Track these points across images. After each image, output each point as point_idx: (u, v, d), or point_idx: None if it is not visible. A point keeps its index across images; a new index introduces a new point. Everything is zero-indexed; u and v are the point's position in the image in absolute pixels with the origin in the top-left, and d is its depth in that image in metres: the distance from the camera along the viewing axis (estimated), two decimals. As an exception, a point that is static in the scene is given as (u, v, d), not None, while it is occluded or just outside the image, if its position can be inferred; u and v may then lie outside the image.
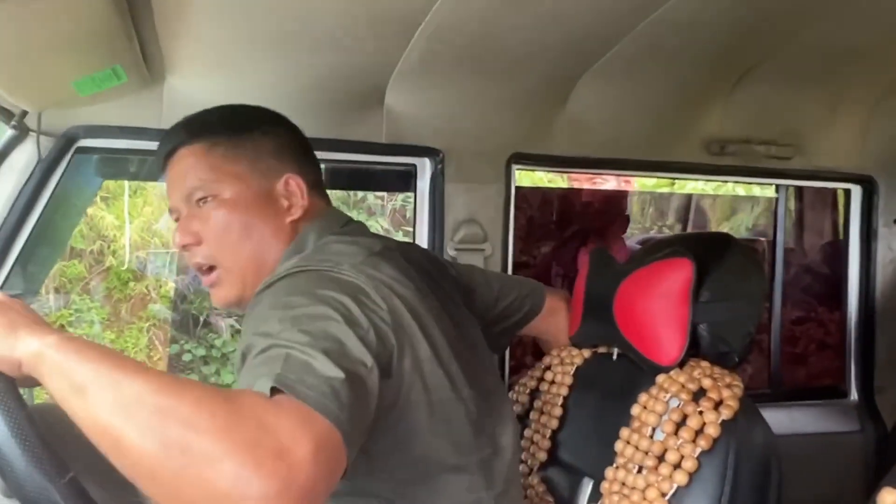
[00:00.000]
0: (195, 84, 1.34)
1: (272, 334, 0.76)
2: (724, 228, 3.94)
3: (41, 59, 1.09)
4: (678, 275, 1.10)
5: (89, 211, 4.39)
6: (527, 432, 1.30)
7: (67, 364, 0.68)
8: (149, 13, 1.10)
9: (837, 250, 2.17)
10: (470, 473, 0.94)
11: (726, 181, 2.53)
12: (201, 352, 4.80)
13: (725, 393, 1.04)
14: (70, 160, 1.36)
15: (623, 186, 3.27)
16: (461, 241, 1.58)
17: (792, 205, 2.79)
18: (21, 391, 0.75)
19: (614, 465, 1.11)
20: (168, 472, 0.62)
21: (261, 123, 1.10)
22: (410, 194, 1.66)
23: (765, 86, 1.63)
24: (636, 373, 1.15)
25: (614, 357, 1.23)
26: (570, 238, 2.50)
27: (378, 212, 5.20)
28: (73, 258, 4.65)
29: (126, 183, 4.63)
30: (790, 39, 1.42)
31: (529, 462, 1.28)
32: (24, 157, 1.31)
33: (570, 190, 2.90)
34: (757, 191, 3.19)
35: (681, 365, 1.10)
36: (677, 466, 1.02)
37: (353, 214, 5.28)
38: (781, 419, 1.80)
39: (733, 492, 0.99)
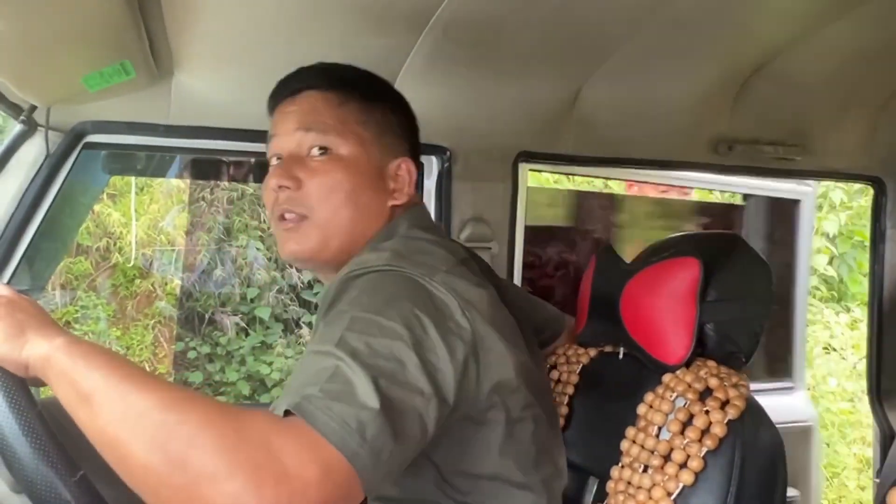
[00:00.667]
0: (203, 80, 1.35)
1: (337, 336, 0.74)
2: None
3: (50, 54, 1.09)
4: (685, 274, 1.09)
5: (96, 208, 4.40)
6: (532, 431, 1.29)
7: (75, 371, 0.68)
8: (157, 9, 1.10)
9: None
10: (534, 493, 0.93)
11: (728, 191, 2.54)
12: (206, 349, 4.81)
13: (732, 393, 1.04)
14: (78, 155, 1.36)
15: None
16: (467, 238, 1.58)
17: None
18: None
19: (620, 465, 1.10)
20: (169, 488, 0.62)
21: (392, 98, 1.08)
22: (416, 192, 1.66)
23: (773, 86, 1.63)
24: (642, 372, 1.15)
25: (620, 356, 1.22)
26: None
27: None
28: (80, 255, 4.66)
29: (133, 180, 4.64)
30: (798, 40, 1.41)
31: (534, 461, 1.27)
32: (33, 152, 1.32)
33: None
34: (717, 196, 3.16)
35: (687, 364, 1.10)
36: (683, 466, 1.02)
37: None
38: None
39: (739, 492, 0.99)
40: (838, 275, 4.94)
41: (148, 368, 4.73)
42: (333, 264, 0.99)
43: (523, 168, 1.67)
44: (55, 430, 0.72)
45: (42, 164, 1.32)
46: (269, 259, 5.01)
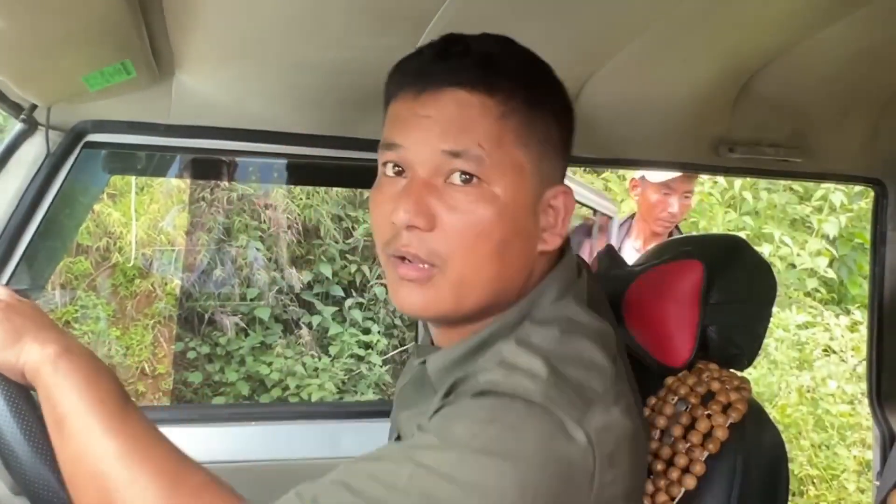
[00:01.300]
0: (204, 80, 1.34)
1: (409, 472, 0.63)
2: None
3: (51, 53, 1.09)
4: (688, 277, 1.09)
5: (96, 207, 4.40)
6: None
7: (55, 390, 0.67)
8: (158, 8, 1.10)
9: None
10: None
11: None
12: (206, 349, 4.81)
13: (733, 396, 1.04)
14: (78, 155, 1.36)
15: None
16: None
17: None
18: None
19: (621, 468, 1.10)
20: None
21: (557, 100, 0.81)
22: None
23: (773, 88, 1.62)
24: (644, 375, 1.14)
25: (622, 358, 1.22)
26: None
27: (383, 211, 5.19)
28: (79, 254, 4.66)
29: (133, 179, 4.64)
30: (799, 42, 1.41)
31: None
32: (33, 152, 1.31)
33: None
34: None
35: (689, 367, 1.10)
36: (686, 470, 1.01)
37: (360, 214, 5.30)
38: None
39: (742, 495, 0.98)
40: (838, 277, 4.94)
41: (147, 369, 4.73)
42: (461, 323, 0.80)
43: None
44: None
45: (42, 164, 1.32)
46: (269, 259, 5.01)
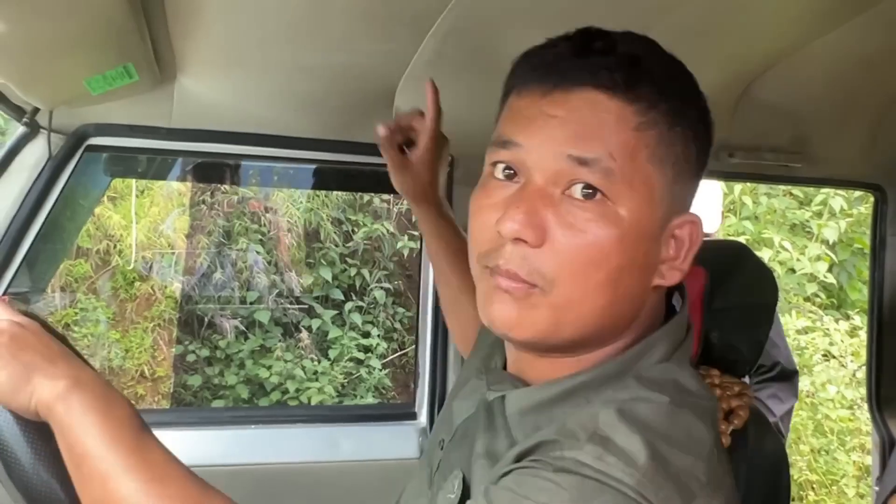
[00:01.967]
0: (206, 83, 1.35)
1: None
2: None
3: (54, 57, 1.09)
4: (691, 283, 1.08)
5: (96, 210, 4.40)
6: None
7: (70, 431, 0.66)
8: (161, 12, 1.10)
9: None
10: None
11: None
12: (205, 352, 4.81)
13: (735, 402, 1.04)
14: (80, 158, 1.36)
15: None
16: (469, 243, 1.57)
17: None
18: None
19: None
20: None
21: (701, 116, 0.71)
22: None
23: (774, 93, 1.63)
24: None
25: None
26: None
27: (384, 215, 5.20)
28: (80, 257, 4.66)
29: (133, 182, 4.64)
30: (799, 47, 1.41)
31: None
32: (35, 155, 1.32)
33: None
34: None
35: (690, 372, 1.10)
36: (686, 474, 1.01)
37: (359, 218, 5.29)
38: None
39: (745, 501, 0.98)
40: (838, 282, 4.94)
41: (147, 372, 4.73)
42: (551, 353, 0.69)
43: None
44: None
45: (44, 167, 1.32)
46: (269, 263, 5.01)
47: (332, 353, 4.96)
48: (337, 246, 5.06)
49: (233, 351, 4.82)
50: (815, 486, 4.17)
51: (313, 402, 4.65)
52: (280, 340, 4.93)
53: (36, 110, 1.27)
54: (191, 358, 4.78)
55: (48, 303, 4.43)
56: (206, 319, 4.82)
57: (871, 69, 1.54)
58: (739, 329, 1.12)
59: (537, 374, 0.70)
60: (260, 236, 4.97)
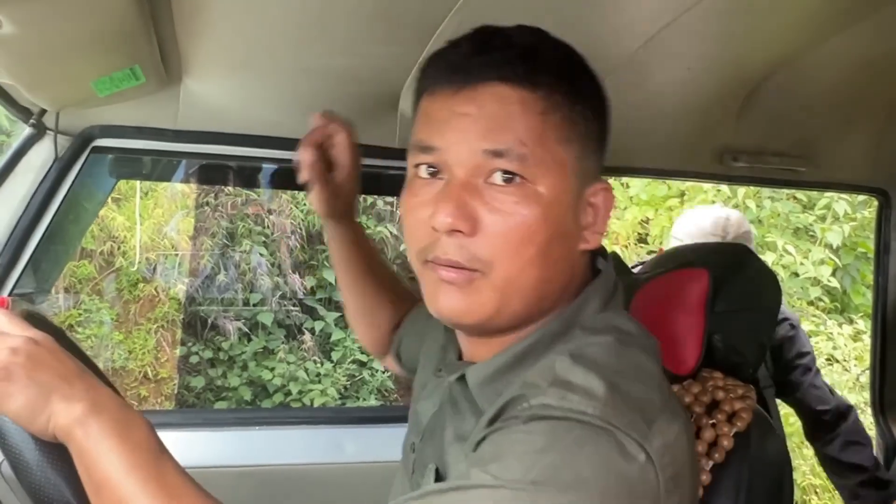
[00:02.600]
0: (212, 85, 1.35)
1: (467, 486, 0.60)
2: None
3: (61, 58, 1.10)
4: (694, 285, 1.09)
5: (100, 212, 4.42)
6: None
7: (88, 456, 0.66)
8: (168, 14, 1.10)
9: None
10: None
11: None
12: (209, 354, 4.82)
13: (738, 405, 1.04)
14: (86, 160, 1.37)
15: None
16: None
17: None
18: None
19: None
20: None
21: (597, 94, 0.76)
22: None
23: (778, 97, 1.63)
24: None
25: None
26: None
27: (387, 217, 5.21)
28: (84, 258, 4.68)
29: (138, 184, 4.65)
30: (804, 51, 1.42)
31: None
32: (41, 156, 1.32)
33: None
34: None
35: (693, 375, 1.10)
36: (690, 478, 1.01)
37: (363, 220, 5.30)
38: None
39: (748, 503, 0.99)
40: (841, 286, 4.93)
41: (150, 373, 4.73)
42: (499, 333, 0.74)
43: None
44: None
45: (50, 168, 1.33)
46: (273, 265, 5.02)
47: (335, 356, 4.96)
48: (340, 248, 5.05)
49: (236, 353, 4.83)
50: (818, 490, 4.16)
51: (316, 405, 4.66)
52: (283, 342, 4.94)
53: (42, 112, 1.28)
54: (194, 359, 4.79)
55: (52, 304, 4.44)
56: (209, 321, 4.83)
57: (876, 74, 1.54)
58: (742, 331, 1.12)
59: (489, 353, 0.75)
60: (263, 238, 4.98)
